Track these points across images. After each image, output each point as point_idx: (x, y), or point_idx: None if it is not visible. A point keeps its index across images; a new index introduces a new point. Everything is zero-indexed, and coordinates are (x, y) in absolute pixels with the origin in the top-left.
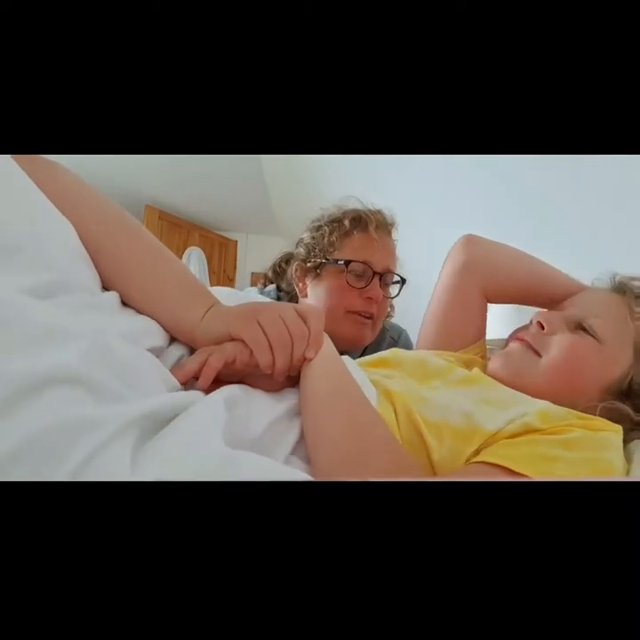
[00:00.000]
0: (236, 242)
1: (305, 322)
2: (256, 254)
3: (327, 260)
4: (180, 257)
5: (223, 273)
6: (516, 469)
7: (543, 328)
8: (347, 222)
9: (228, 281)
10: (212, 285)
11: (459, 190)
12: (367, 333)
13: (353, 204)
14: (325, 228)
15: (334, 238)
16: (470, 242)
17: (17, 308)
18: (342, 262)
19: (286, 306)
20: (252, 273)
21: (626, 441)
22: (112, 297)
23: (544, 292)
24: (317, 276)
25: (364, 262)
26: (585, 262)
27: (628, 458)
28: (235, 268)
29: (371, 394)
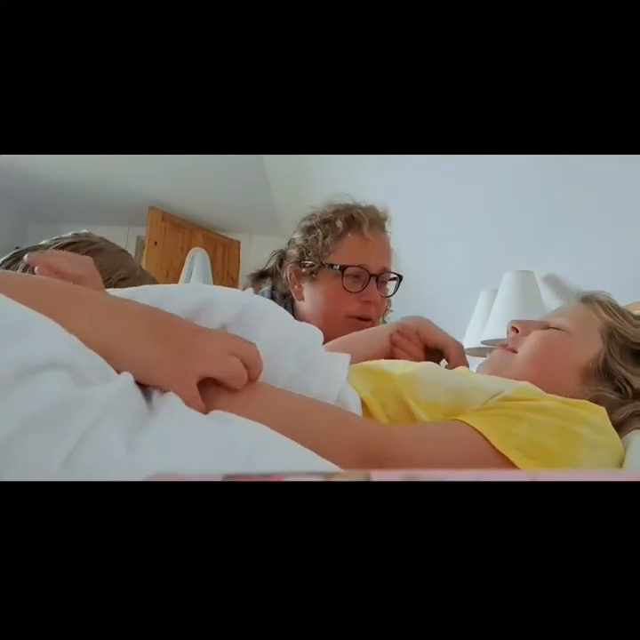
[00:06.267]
0: (239, 242)
1: None
2: (259, 255)
3: (322, 264)
4: (184, 257)
5: (226, 274)
6: (473, 424)
7: (517, 331)
8: (339, 223)
9: (231, 282)
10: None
11: (461, 189)
12: None
13: (344, 201)
14: (318, 229)
15: (328, 241)
16: None
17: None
18: (337, 267)
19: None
20: None
21: (623, 428)
22: None
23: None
24: (313, 279)
25: (359, 266)
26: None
27: (626, 446)
28: (238, 268)
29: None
